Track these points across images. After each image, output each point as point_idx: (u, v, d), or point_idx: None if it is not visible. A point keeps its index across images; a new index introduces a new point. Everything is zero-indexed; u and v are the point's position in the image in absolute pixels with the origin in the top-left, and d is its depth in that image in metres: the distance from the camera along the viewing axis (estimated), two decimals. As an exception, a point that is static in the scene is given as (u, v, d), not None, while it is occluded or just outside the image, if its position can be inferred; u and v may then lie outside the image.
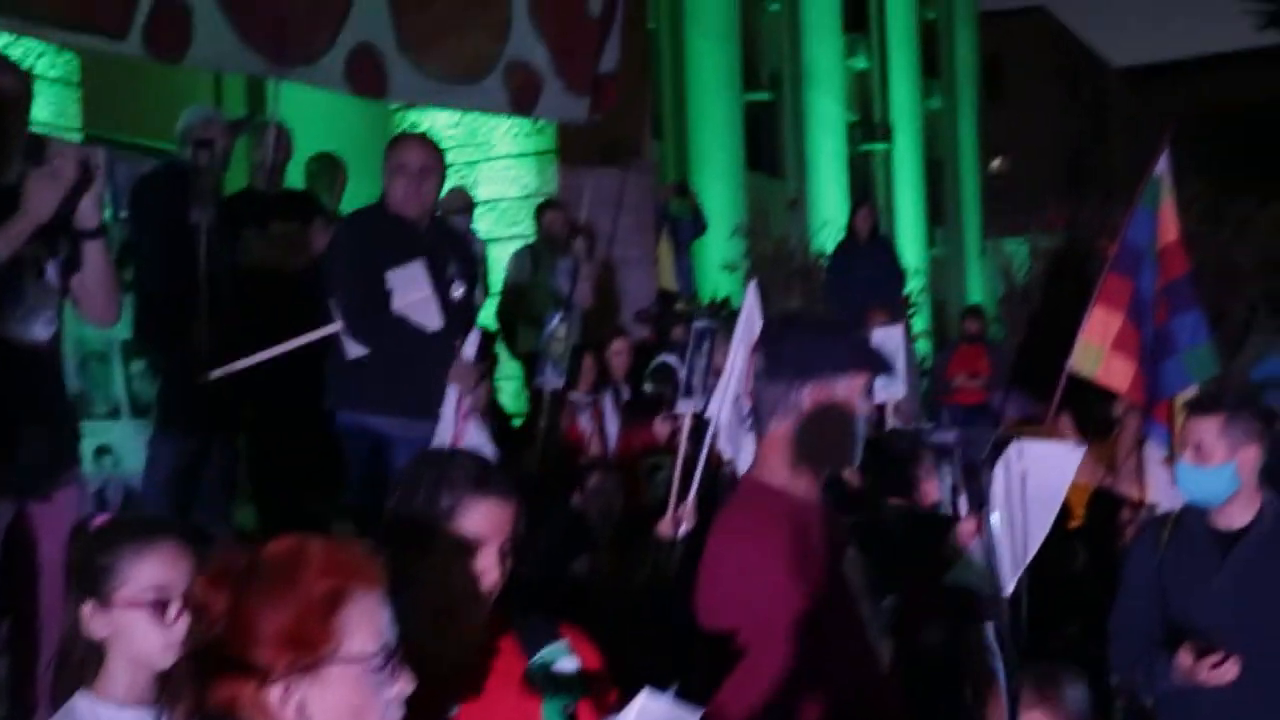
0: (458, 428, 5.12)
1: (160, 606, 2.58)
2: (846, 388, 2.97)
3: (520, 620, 2.65)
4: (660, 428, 7.12)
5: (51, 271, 3.94)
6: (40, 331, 3.92)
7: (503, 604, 2.56)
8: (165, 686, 2.43)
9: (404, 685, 2.00)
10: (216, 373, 5.58)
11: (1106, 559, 7.08)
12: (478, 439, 5.14)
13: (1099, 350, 6.92)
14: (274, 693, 1.90)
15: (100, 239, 3.97)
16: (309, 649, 1.91)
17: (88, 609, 2.61)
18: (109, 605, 2.59)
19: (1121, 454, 8.02)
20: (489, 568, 2.50)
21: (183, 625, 2.51)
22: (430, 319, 5.31)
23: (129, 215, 6.42)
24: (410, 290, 5.27)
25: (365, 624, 1.96)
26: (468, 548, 2.49)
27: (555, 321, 7.09)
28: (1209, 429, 3.93)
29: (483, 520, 2.50)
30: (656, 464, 6.82)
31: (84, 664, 2.61)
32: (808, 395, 2.95)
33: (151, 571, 2.59)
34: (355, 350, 5.35)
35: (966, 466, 4.16)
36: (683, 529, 5.55)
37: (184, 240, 5.96)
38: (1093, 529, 7.48)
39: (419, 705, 2.04)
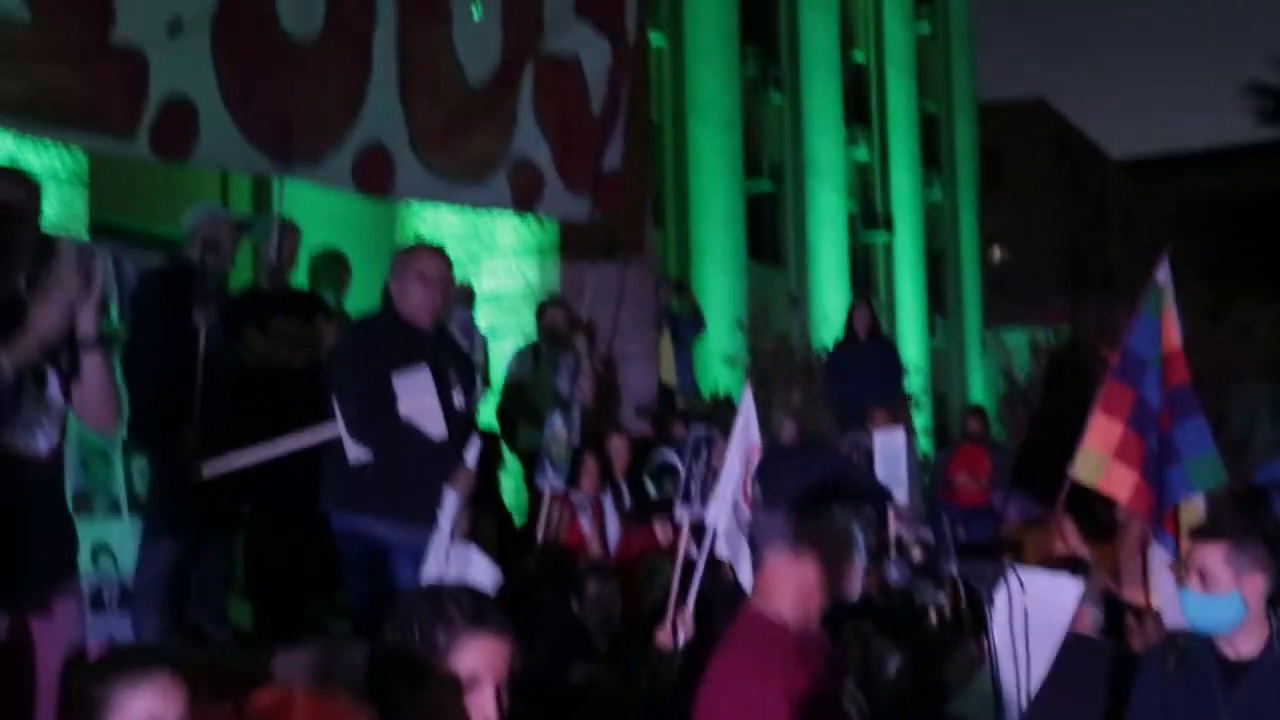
0: (459, 548, 5.11)
1: None
2: (843, 519, 2.96)
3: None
4: (661, 531, 7.09)
5: (53, 382, 3.94)
6: (41, 443, 3.90)
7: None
8: None
9: None
10: (211, 469, 5.55)
11: (1112, 664, 7.04)
12: (478, 564, 5.12)
13: (1100, 458, 6.92)
14: None
15: (98, 348, 3.95)
16: None
17: None
18: None
19: (1125, 558, 7.98)
20: (483, 705, 2.46)
21: None
22: (434, 426, 5.30)
23: (129, 313, 6.44)
24: (415, 396, 5.27)
25: None
26: (464, 687, 2.45)
27: (556, 422, 7.08)
28: (1214, 556, 3.90)
29: (479, 657, 2.48)
30: (655, 567, 6.79)
31: None
32: (805, 528, 2.93)
33: (144, 704, 2.58)
34: (357, 454, 5.32)
35: (970, 597, 4.13)
36: (681, 638, 5.51)
37: (183, 340, 5.98)
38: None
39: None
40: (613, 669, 5.50)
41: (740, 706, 2.88)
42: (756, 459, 6.05)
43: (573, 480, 7.40)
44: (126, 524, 6.28)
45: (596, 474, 7.61)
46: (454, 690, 2.44)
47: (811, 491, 2.96)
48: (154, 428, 6.06)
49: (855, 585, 3.01)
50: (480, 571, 5.06)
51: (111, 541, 6.19)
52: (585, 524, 7.46)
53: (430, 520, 5.18)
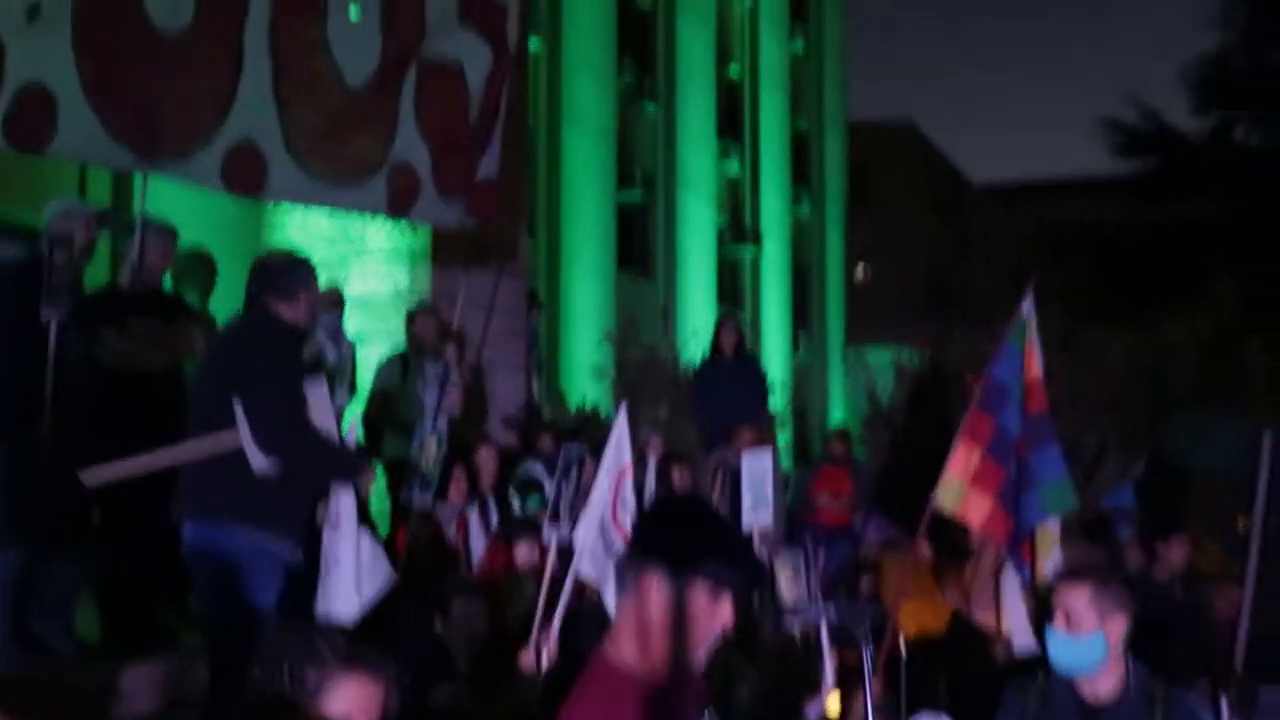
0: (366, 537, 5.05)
1: None
2: (708, 597, 2.88)
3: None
4: (525, 550, 7.00)
5: None
6: None
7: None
8: None
9: None
10: (94, 477, 5.31)
11: (963, 684, 7.15)
12: (372, 552, 5.06)
13: (960, 485, 7.02)
14: None
15: None
16: None
17: None
18: None
19: (978, 582, 8.12)
20: None
21: None
22: (333, 432, 5.21)
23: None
24: (319, 403, 5.16)
25: None
26: (333, 730, 2.37)
27: (425, 435, 6.95)
28: (1079, 597, 3.96)
29: (352, 698, 2.39)
30: (518, 586, 6.71)
31: None
32: (663, 586, 2.85)
33: None
34: (263, 464, 5.11)
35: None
36: (545, 660, 5.45)
37: (33, 336, 5.76)
38: (951, 653, 7.57)
39: None
40: (475, 690, 5.41)
41: None
42: (629, 480, 6.01)
43: (440, 491, 7.28)
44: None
45: (464, 487, 7.50)
46: (323, 734, 2.35)
47: (687, 549, 2.88)
48: (2, 428, 5.84)
49: (697, 659, 2.95)
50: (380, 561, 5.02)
51: (-49, 547, 5.91)
52: (450, 536, 7.34)
53: (298, 528, 5.07)
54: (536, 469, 8.76)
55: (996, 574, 8.02)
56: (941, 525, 8.06)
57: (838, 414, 26.22)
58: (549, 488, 7.02)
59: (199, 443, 5.16)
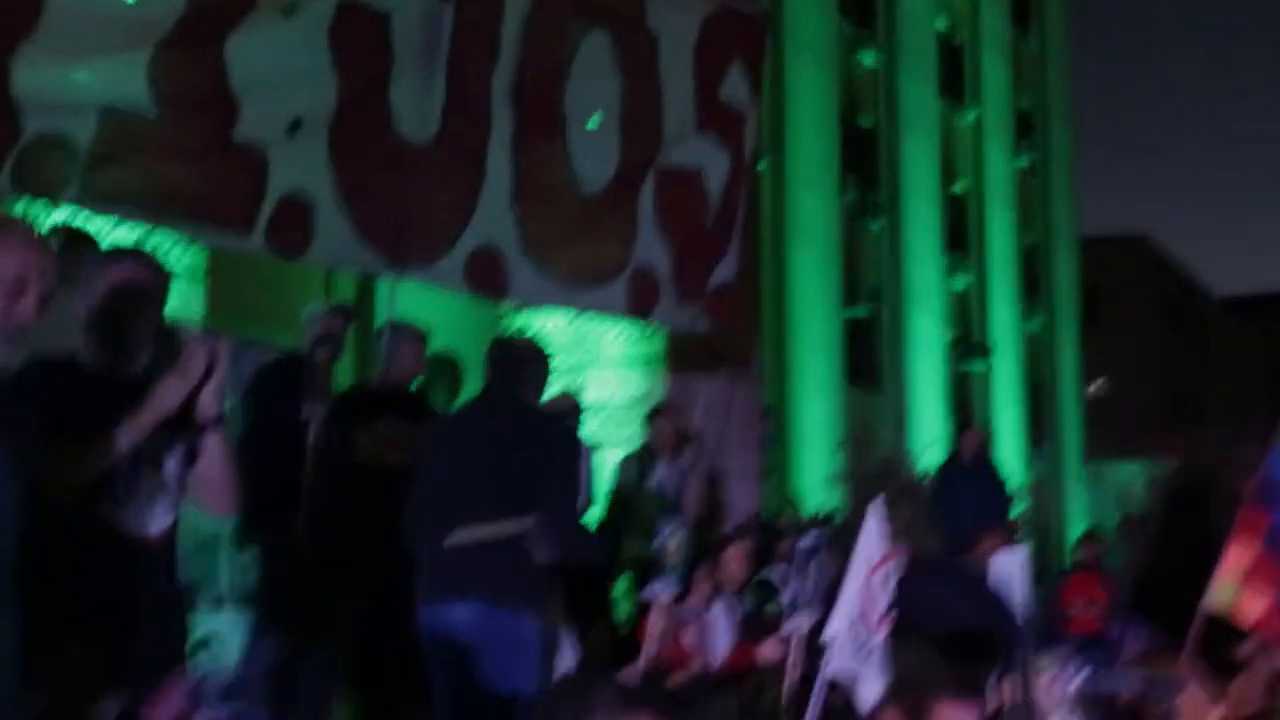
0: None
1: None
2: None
3: None
4: (769, 650, 6.84)
5: (170, 464, 3.90)
6: (155, 525, 3.85)
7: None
8: None
9: None
10: (455, 539, 5.42)
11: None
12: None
13: (1234, 585, 6.61)
14: None
15: (219, 430, 3.95)
16: None
17: None
18: None
19: (1250, 693, 7.62)
20: None
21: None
22: None
23: (241, 404, 6.42)
24: None
25: None
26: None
27: (668, 531, 6.88)
28: None
29: None
30: (761, 684, 6.54)
31: None
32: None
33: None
34: (544, 556, 5.28)
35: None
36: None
37: (292, 434, 5.94)
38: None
39: None
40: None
41: None
42: (881, 574, 5.82)
43: (684, 593, 7.18)
44: (229, 617, 6.18)
45: (708, 590, 7.39)
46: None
47: (923, 678, 2.85)
48: (264, 521, 6.01)
49: None
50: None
51: (213, 634, 6.09)
52: (690, 637, 7.22)
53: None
54: (774, 573, 8.60)
55: (1271, 686, 7.53)
56: (1209, 638, 7.62)
57: (1078, 530, 25.24)
58: (785, 594, 6.86)
59: (506, 524, 5.26)
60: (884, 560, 5.91)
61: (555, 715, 2.34)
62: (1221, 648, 7.89)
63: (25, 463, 3.27)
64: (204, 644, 6.14)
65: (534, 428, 5.55)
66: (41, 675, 3.39)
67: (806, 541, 6.47)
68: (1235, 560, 6.64)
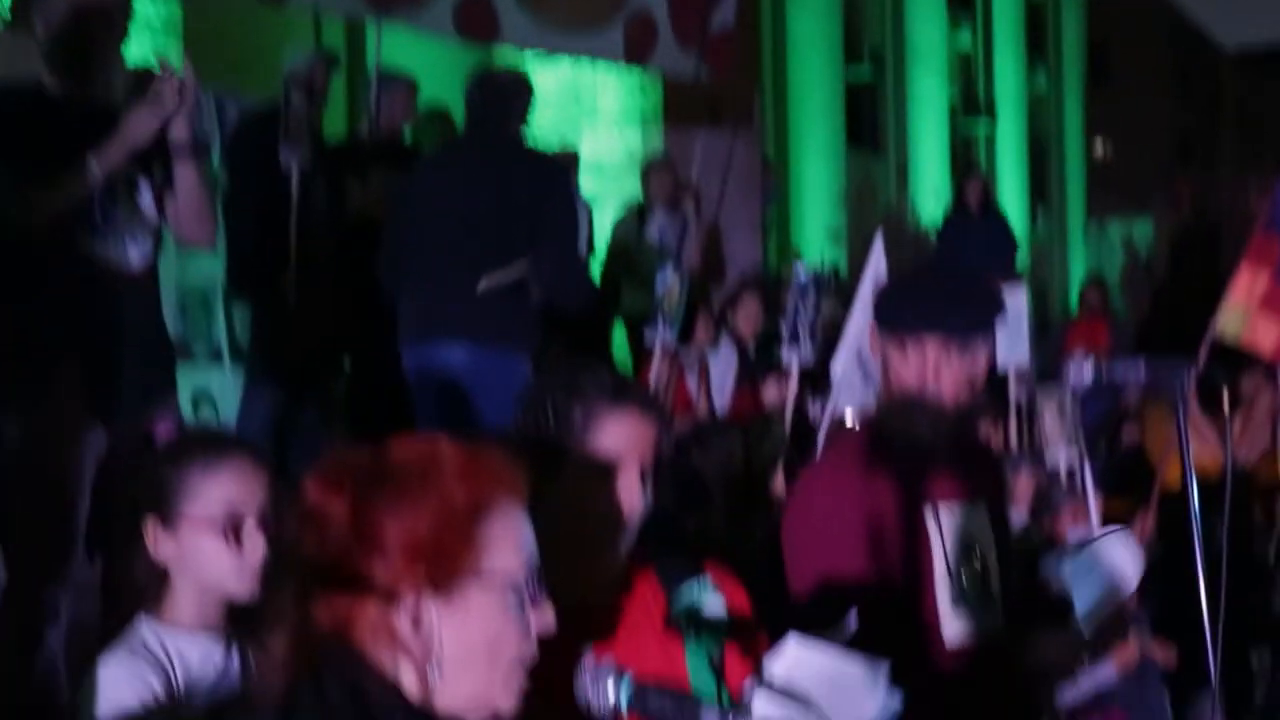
0: None
1: (232, 527, 2.33)
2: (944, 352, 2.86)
3: (660, 556, 2.35)
4: (772, 391, 6.81)
5: (145, 193, 3.81)
6: (134, 254, 3.78)
7: (641, 537, 2.27)
8: (260, 608, 2.17)
9: (544, 616, 1.72)
10: (484, 283, 5.32)
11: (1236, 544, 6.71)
12: None
13: (1244, 311, 6.49)
14: (402, 614, 1.61)
15: (191, 159, 3.88)
16: (446, 564, 1.61)
17: (153, 528, 2.36)
18: (176, 525, 2.34)
19: (1252, 428, 7.65)
20: (629, 491, 2.19)
21: (257, 548, 2.29)
22: None
23: (226, 158, 6.25)
24: None
25: (508, 539, 1.67)
26: (604, 469, 2.19)
27: (668, 276, 6.77)
28: None
29: (621, 436, 2.20)
30: (767, 423, 6.51)
31: (147, 588, 2.37)
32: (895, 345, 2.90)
33: (222, 489, 2.34)
34: (539, 299, 5.27)
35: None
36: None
37: (277, 185, 5.78)
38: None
39: (548, 647, 1.75)
40: (729, 517, 5.24)
41: (799, 501, 2.93)
42: None
43: (682, 339, 7.11)
44: (228, 372, 6.14)
45: (707, 333, 7.34)
46: (595, 473, 2.18)
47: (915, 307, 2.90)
48: (253, 276, 5.91)
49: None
50: None
51: (212, 389, 6.04)
52: (692, 383, 7.20)
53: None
54: (779, 325, 8.54)
55: (1274, 420, 7.54)
56: (1207, 378, 7.58)
57: (1078, 287, 25.22)
58: (783, 329, 6.72)
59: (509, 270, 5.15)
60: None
61: (544, 393, 2.26)
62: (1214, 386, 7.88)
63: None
64: (203, 399, 6.09)
65: (524, 163, 5.36)
66: (24, 405, 3.34)
67: (800, 278, 6.34)
68: (1245, 287, 6.50)
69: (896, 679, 1.82)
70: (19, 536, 3.76)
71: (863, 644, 2.51)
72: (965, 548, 2.87)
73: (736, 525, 5.16)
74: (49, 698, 3.60)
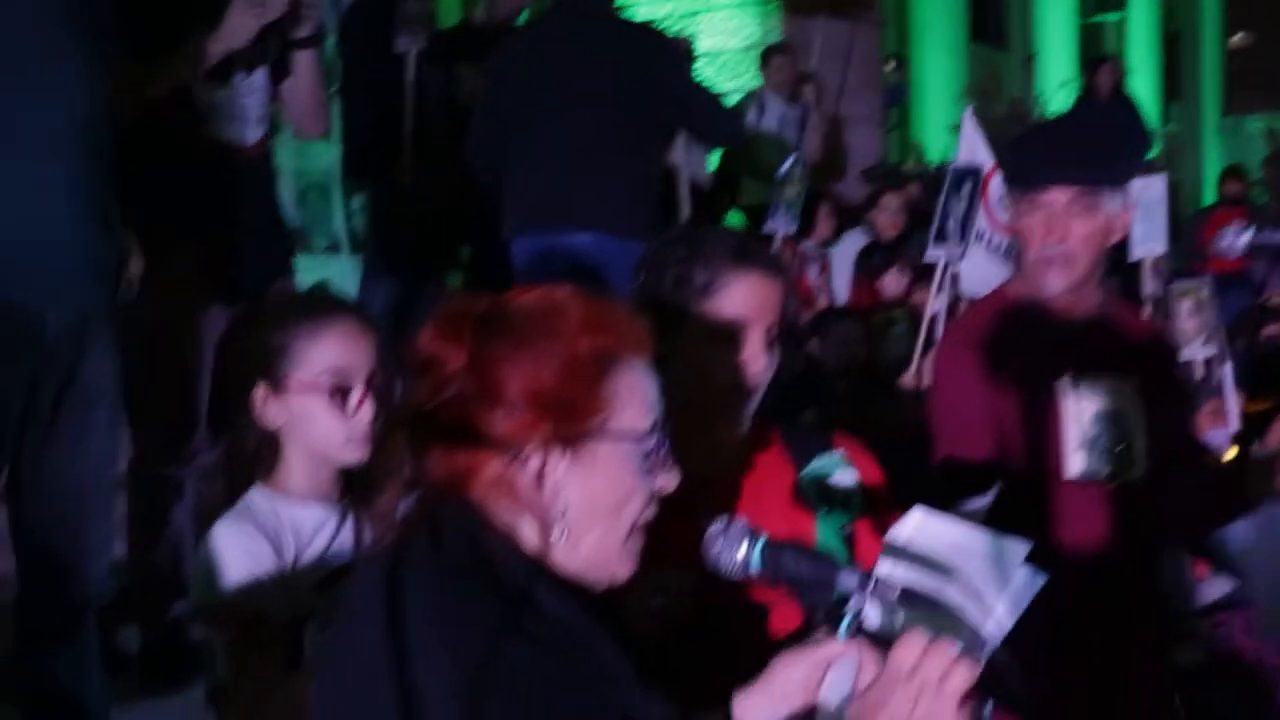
0: None
1: (339, 392, 2.26)
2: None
3: (787, 426, 2.26)
4: (892, 282, 6.63)
5: (259, 77, 3.82)
6: (250, 134, 3.74)
7: (768, 404, 2.17)
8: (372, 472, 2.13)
9: (669, 478, 1.63)
10: None
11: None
12: None
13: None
14: (525, 468, 1.52)
15: (311, 48, 3.86)
16: (573, 418, 1.53)
17: (260, 394, 2.30)
18: (283, 390, 2.28)
19: None
20: (754, 355, 2.09)
21: (365, 413, 2.24)
22: None
23: (339, 43, 6.19)
24: None
25: (635, 396, 1.59)
26: (728, 332, 2.09)
27: (789, 164, 6.58)
28: None
29: (746, 298, 2.09)
30: (890, 318, 6.35)
31: (259, 457, 2.32)
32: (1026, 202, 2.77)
33: (329, 353, 2.27)
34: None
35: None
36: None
37: (391, 72, 5.71)
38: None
39: (668, 516, 1.67)
40: (849, 411, 5.12)
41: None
42: (997, 177, 5.56)
43: (803, 231, 6.95)
44: (346, 262, 6.12)
45: (829, 226, 7.17)
46: (719, 337, 2.09)
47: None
48: (368, 164, 5.86)
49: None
50: None
51: (330, 279, 6.02)
52: (813, 275, 7.05)
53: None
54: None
55: None
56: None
57: (1212, 185, 24.38)
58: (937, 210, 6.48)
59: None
60: (994, 169, 5.64)
61: (665, 255, 2.16)
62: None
63: (111, 64, 3.13)
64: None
65: (625, 32, 5.07)
66: (148, 285, 3.34)
67: (959, 165, 6.10)
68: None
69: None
70: (145, 416, 3.81)
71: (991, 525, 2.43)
72: (1106, 427, 2.72)
73: (860, 416, 5.04)
74: (177, 575, 3.65)
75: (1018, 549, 1.56)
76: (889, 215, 7.38)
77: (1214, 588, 5.16)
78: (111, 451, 3.29)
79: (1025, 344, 2.74)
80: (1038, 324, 2.76)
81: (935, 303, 5.46)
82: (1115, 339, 2.83)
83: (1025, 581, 1.52)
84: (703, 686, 1.71)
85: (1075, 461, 2.62)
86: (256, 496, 2.31)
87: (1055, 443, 2.64)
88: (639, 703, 1.50)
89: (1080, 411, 2.64)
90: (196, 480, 3.76)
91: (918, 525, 1.71)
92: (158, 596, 3.84)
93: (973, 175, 5.59)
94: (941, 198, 5.65)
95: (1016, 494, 2.60)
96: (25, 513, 3.14)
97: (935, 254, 5.53)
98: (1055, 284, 2.73)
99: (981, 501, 1.90)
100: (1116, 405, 2.69)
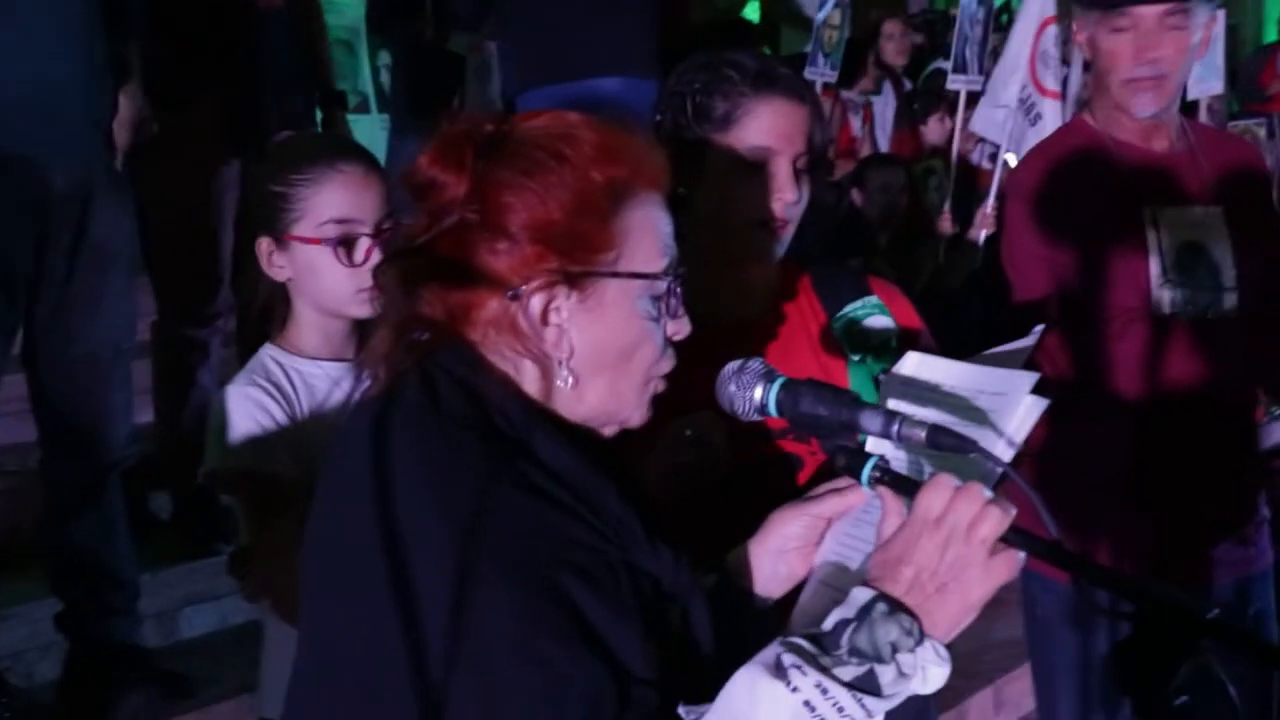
0: None
1: (346, 243, 2.12)
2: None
3: (818, 267, 2.12)
4: (934, 130, 6.43)
5: None
6: None
7: (797, 244, 2.04)
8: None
9: (681, 326, 1.51)
10: None
11: None
12: None
13: None
14: (527, 308, 1.40)
15: None
16: (581, 254, 1.39)
17: (265, 247, 2.17)
18: (286, 241, 2.15)
19: None
20: (781, 186, 1.93)
21: (372, 265, 2.11)
22: None
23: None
24: None
25: (648, 234, 1.44)
26: (753, 164, 1.94)
27: (829, 7, 6.33)
28: None
29: (771, 125, 1.94)
30: (929, 167, 6.18)
31: (269, 314, 2.20)
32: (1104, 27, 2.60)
33: (333, 201, 2.12)
34: None
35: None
36: (982, 233, 4.94)
37: None
38: None
39: (692, 367, 1.54)
40: (891, 261, 4.98)
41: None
42: (1052, 30, 5.33)
43: (845, 80, 6.71)
44: (375, 119, 6.00)
45: (872, 73, 6.93)
46: (743, 168, 1.94)
47: None
48: (395, 18, 5.71)
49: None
50: None
51: (359, 136, 5.91)
52: (856, 125, 6.83)
53: None
54: (945, 65, 8.08)
55: None
56: None
57: (1272, 33, 23.58)
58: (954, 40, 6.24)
59: None
60: (1050, 20, 5.41)
61: (682, 87, 2.01)
62: None
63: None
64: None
65: None
66: (166, 141, 3.25)
67: (969, 4, 5.88)
68: None
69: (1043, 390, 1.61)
70: (167, 277, 3.74)
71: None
72: (1191, 255, 2.58)
73: (901, 264, 4.92)
74: (203, 434, 3.60)
75: (1024, 378, 1.50)
76: (894, 44, 7.15)
77: (1277, 431, 5.02)
78: (129, 315, 3.22)
79: (1103, 177, 2.60)
80: (1115, 156, 2.62)
81: (963, 144, 5.32)
82: (1198, 166, 2.66)
83: (1030, 405, 1.47)
84: (726, 546, 1.62)
85: (1161, 296, 2.50)
86: (268, 355, 2.21)
87: (1141, 278, 2.53)
88: (643, 555, 1.40)
89: (1164, 243, 2.51)
90: (220, 343, 3.70)
91: (916, 365, 1.66)
92: (186, 461, 3.80)
93: (985, 2, 5.46)
94: (959, 25, 5.51)
95: (1101, 332, 2.52)
96: (44, 378, 3.09)
97: (956, 83, 5.44)
98: (1147, 107, 2.56)
99: (1026, 342, 1.77)
100: (1201, 235, 2.55)
